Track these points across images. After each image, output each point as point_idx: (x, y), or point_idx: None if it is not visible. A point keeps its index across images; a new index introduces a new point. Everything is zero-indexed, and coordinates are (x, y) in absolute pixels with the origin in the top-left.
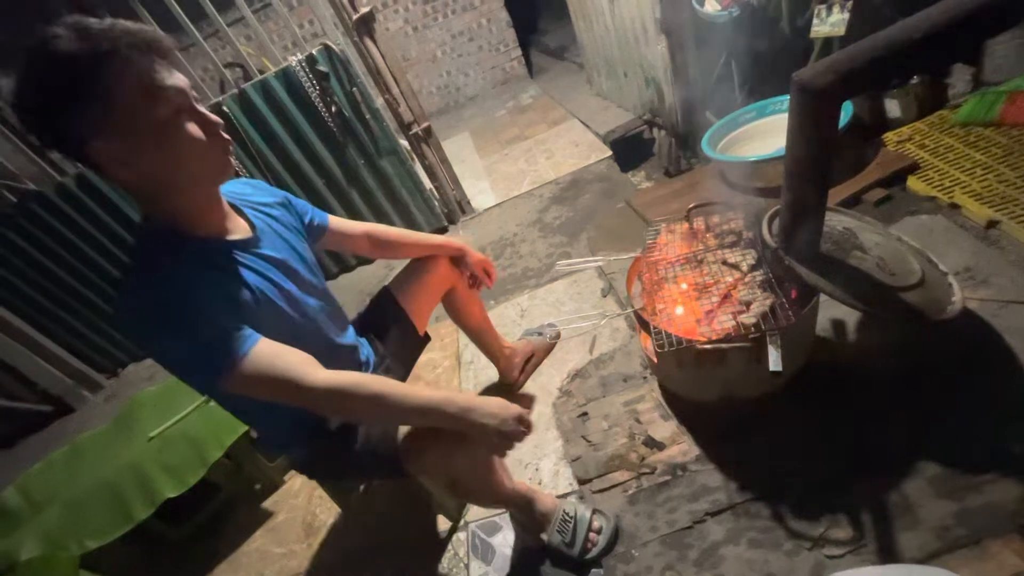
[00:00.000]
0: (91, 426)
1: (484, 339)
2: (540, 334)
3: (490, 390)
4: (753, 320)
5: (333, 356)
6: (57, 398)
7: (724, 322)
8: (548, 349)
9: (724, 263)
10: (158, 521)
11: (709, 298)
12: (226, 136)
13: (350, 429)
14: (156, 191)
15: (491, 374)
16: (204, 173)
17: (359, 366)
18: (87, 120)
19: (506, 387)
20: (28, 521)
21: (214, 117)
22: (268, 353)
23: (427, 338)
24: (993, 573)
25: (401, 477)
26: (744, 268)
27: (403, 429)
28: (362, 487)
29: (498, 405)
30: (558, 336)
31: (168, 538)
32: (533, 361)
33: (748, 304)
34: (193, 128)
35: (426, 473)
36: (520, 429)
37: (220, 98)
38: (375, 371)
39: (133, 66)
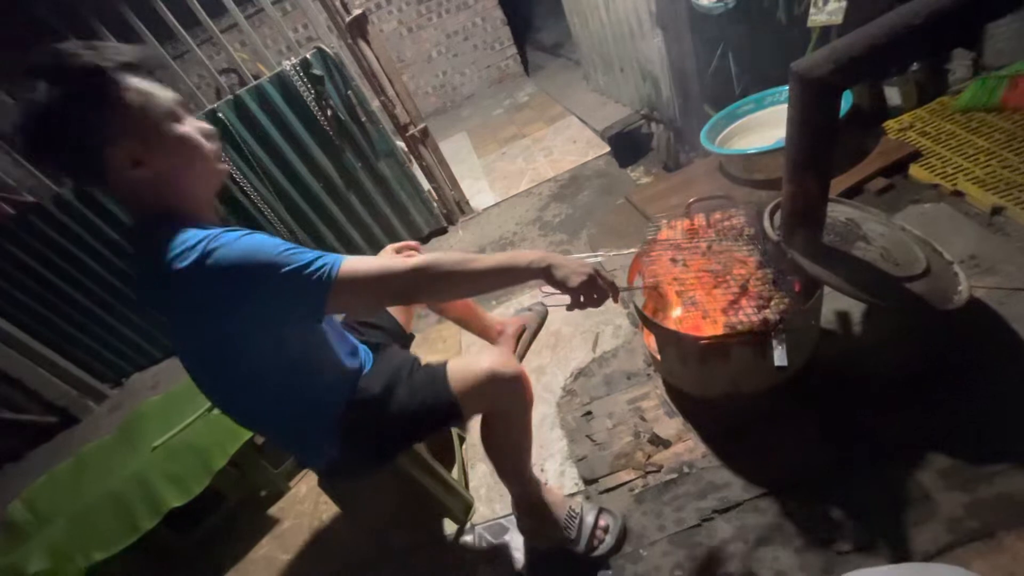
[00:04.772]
0: (96, 437)
1: (473, 324)
2: (530, 310)
3: None
4: (776, 317)
5: (344, 343)
6: (62, 409)
7: (751, 315)
8: (538, 323)
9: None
10: (164, 531)
11: (728, 288)
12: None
13: (390, 392)
14: (172, 190)
15: None
16: (208, 175)
17: (360, 365)
18: (102, 129)
19: None
20: (35, 534)
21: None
22: (356, 259)
23: (411, 336)
24: (1008, 565)
25: (455, 419)
26: (753, 262)
27: (452, 366)
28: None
29: (577, 263)
30: (546, 313)
31: (175, 547)
32: (526, 335)
33: (769, 299)
34: (196, 137)
35: (476, 404)
36: (603, 286)
37: (215, 104)
38: (374, 364)
39: (121, 84)
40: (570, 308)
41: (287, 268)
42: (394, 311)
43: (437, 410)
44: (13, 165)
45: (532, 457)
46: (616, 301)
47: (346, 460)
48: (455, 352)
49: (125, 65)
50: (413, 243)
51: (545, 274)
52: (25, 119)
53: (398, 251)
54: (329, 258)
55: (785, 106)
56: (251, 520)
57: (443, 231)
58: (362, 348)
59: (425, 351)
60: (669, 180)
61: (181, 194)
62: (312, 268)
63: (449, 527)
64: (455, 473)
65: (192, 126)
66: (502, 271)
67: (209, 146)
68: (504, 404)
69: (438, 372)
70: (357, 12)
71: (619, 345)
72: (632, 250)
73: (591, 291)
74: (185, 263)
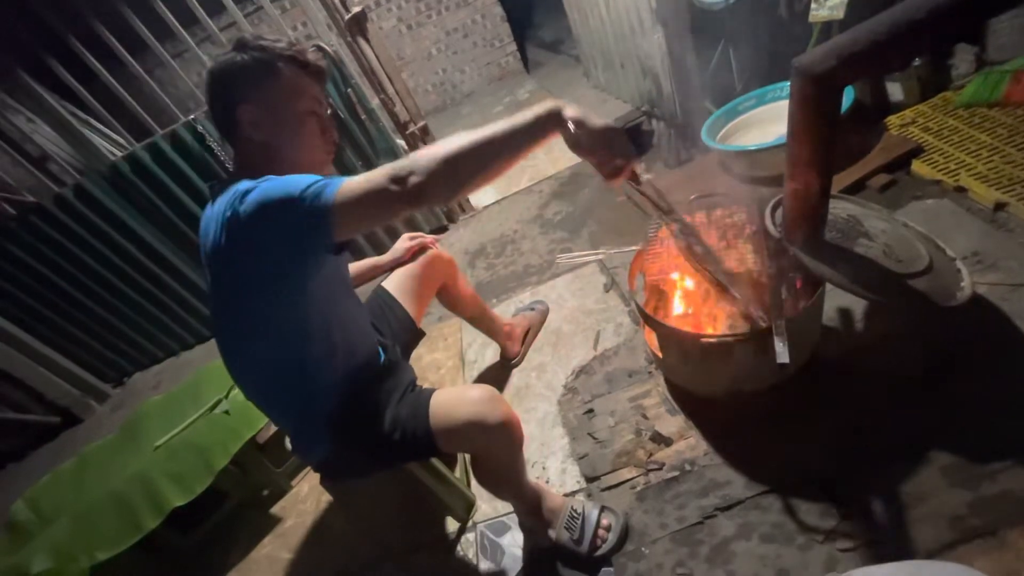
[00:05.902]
0: (98, 436)
1: (483, 324)
2: (532, 309)
3: (491, 369)
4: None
5: (363, 332)
6: (64, 409)
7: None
8: (541, 322)
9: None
10: (167, 530)
11: (760, 275)
12: (335, 142)
13: (377, 416)
14: (272, 157)
15: (494, 376)
16: (309, 159)
17: (376, 356)
18: (245, 93)
19: (508, 362)
20: (38, 534)
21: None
22: (356, 176)
23: (422, 332)
24: (1011, 563)
25: (434, 455)
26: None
27: (434, 405)
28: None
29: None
30: (547, 310)
31: (178, 546)
32: (531, 334)
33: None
34: (314, 126)
35: (459, 447)
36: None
37: None
38: (384, 361)
39: (282, 73)
40: (598, 167)
41: (296, 193)
42: (406, 302)
43: (413, 444)
44: (13, 165)
45: (534, 456)
46: (636, 162)
47: (333, 461)
48: (455, 352)
49: (286, 56)
50: (428, 237)
51: (557, 121)
52: (212, 67)
53: (412, 239)
54: (327, 180)
55: (787, 102)
56: (253, 519)
57: (443, 229)
58: (379, 350)
59: (426, 350)
60: (670, 177)
61: (279, 167)
62: (309, 191)
63: (451, 525)
64: (457, 471)
65: (317, 119)
66: (508, 135)
67: (321, 138)
68: (487, 449)
69: (421, 406)
70: (356, 10)
71: (620, 343)
72: (633, 248)
73: (610, 139)
74: (232, 206)
